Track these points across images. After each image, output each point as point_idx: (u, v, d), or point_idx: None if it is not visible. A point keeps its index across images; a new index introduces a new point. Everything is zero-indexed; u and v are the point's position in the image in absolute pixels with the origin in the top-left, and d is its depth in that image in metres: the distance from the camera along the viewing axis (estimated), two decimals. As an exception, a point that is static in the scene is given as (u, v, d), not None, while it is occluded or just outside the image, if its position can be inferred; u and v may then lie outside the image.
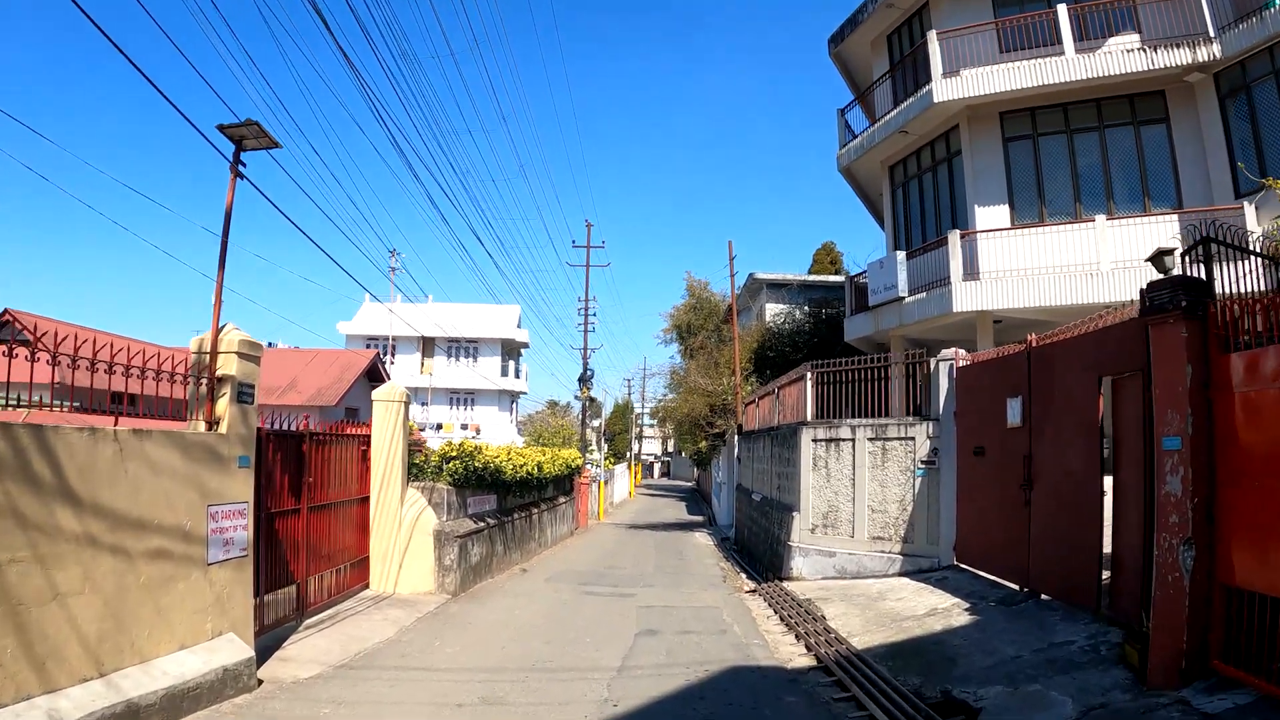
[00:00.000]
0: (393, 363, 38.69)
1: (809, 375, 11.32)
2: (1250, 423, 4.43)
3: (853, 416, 10.43)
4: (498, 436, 35.52)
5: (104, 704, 4.13)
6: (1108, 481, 6.19)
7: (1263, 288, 4.81)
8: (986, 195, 12.25)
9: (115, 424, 4.52)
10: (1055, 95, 11.67)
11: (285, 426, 7.26)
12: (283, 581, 7.09)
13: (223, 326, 5.66)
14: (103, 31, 4.81)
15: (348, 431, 8.92)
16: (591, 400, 32.34)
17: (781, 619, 8.28)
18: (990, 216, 12.10)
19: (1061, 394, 6.85)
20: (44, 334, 4.10)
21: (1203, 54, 10.57)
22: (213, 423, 5.49)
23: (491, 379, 39.79)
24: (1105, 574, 6.13)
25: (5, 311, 15.89)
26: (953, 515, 8.99)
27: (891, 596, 8.21)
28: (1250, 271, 4.85)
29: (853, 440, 10.06)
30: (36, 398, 4.20)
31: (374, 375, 30.47)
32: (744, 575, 12.41)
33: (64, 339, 4.13)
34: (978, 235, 11.68)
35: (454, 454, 10.44)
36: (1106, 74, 11.05)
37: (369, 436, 9.19)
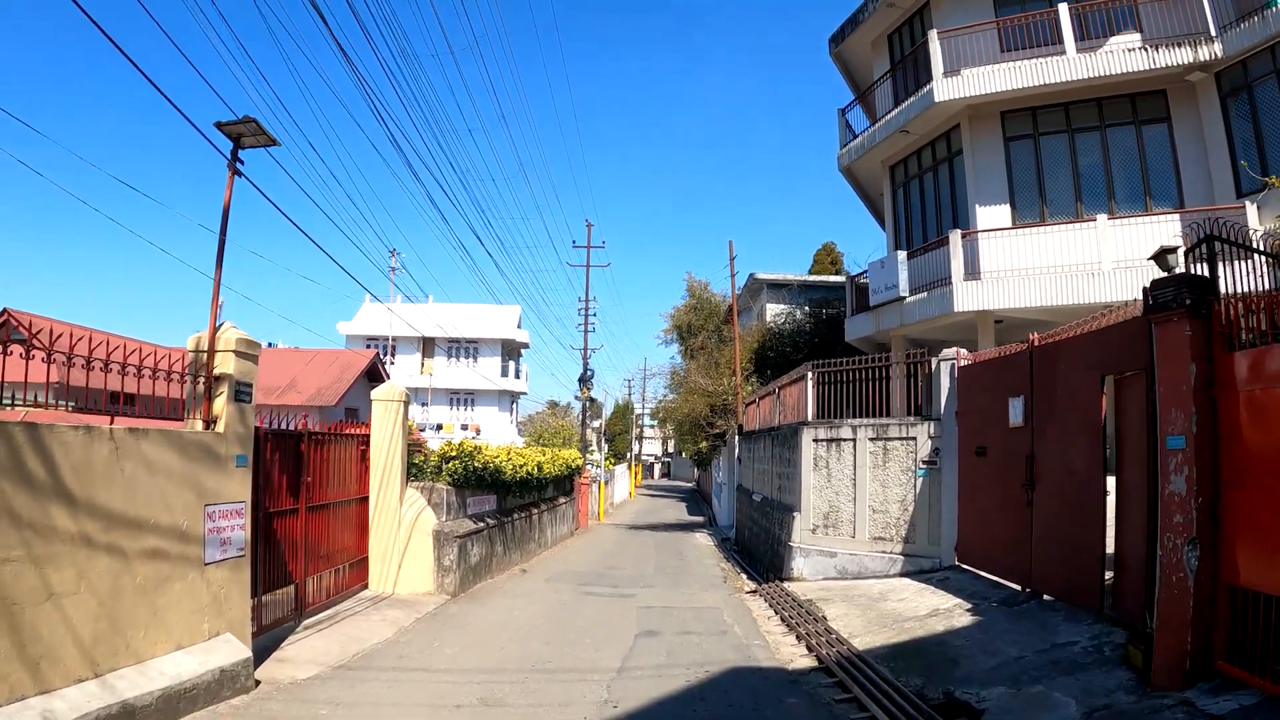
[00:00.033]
0: (393, 363, 38.66)
1: (810, 375, 11.28)
2: (1255, 422, 4.40)
3: (854, 416, 10.40)
4: (498, 437, 35.47)
5: (99, 705, 4.10)
6: (1110, 481, 6.16)
7: (1266, 286, 4.78)
8: (988, 195, 12.22)
9: (111, 423, 4.49)
10: (1056, 95, 11.64)
11: (283, 426, 7.22)
12: (281, 582, 7.06)
13: (220, 325, 5.63)
14: (101, 29, 4.78)
15: (346, 431, 8.88)
16: (592, 401, 32.31)
17: (782, 620, 8.24)
18: (991, 216, 12.07)
19: (1064, 393, 6.82)
20: (39, 331, 4.07)
21: (1204, 53, 10.54)
22: (210, 422, 5.46)
23: (492, 379, 39.77)
24: (1108, 574, 6.09)
25: (4, 311, 15.85)
26: (954, 515, 8.95)
27: (893, 597, 8.17)
28: (1254, 270, 4.82)
29: (854, 440, 10.03)
30: (32, 397, 4.16)
31: (374, 375, 30.43)
32: (744, 576, 12.37)
33: (59, 336, 4.09)
34: (979, 235, 11.65)
35: (453, 454, 10.40)
36: (1108, 73, 11.03)
37: (368, 436, 9.16)
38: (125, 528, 4.54)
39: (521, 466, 12.98)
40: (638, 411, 56.80)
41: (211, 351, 5.49)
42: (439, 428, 36.51)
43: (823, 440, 10.38)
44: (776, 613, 8.64)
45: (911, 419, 9.74)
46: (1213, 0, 10.56)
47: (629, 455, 54.84)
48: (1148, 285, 5.11)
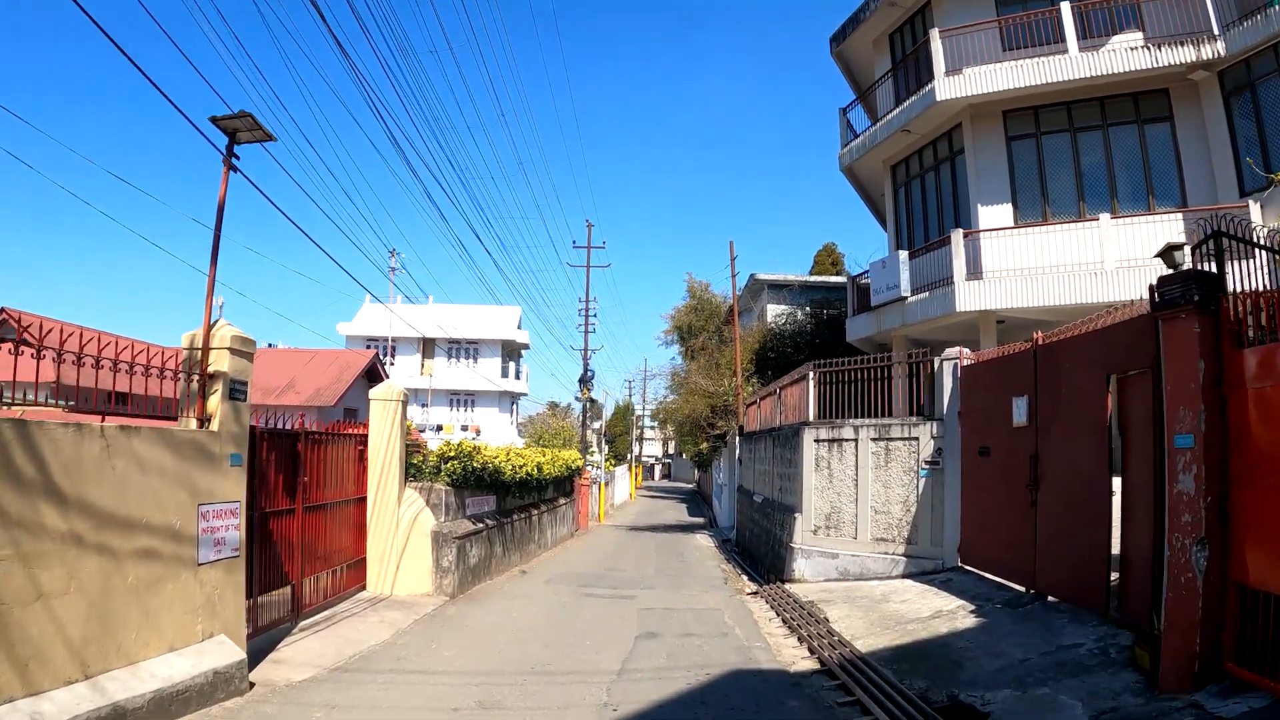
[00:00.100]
0: (393, 364, 38.60)
1: (811, 375, 11.22)
2: (1264, 420, 4.33)
3: (855, 417, 10.33)
4: (498, 438, 35.42)
5: (89, 707, 4.03)
6: (1115, 482, 6.09)
7: (1272, 284, 4.72)
8: (989, 194, 12.17)
9: (102, 421, 4.42)
10: (1058, 94, 11.59)
11: (280, 425, 7.16)
12: (277, 583, 6.99)
13: (215, 322, 5.56)
14: (95, 22, 4.72)
15: (344, 431, 8.81)
16: (592, 402, 32.27)
17: (784, 621, 8.17)
18: (993, 215, 12.01)
19: (1068, 392, 6.75)
20: (29, 326, 4.00)
21: (1207, 52, 10.49)
22: (204, 420, 5.39)
23: (492, 380, 39.71)
24: (1113, 575, 6.02)
25: (1, 310, 15.80)
26: (957, 516, 8.88)
27: (895, 599, 8.10)
28: (1260, 268, 4.77)
29: (855, 440, 9.96)
30: (23, 395, 4.10)
31: (373, 375, 30.34)
32: (745, 577, 12.30)
33: (49, 332, 4.03)
34: (981, 234, 11.60)
35: (452, 454, 10.32)
36: (1110, 72, 10.98)
37: (366, 436, 9.09)
38: (116, 527, 4.47)
39: (521, 467, 12.91)
40: (638, 413, 56.76)
41: (206, 349, 5.42)
42: (439, 429, 36.44)
43: (824, 440, 10.31)
44: (778, 614, 8.57)
45: (914, 419, 9.67)
46: (1215, -1, 10.52)
47: (629, 456, 54.78)
48: (1154, 282, 5.05)
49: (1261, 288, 4.62)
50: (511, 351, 43.19)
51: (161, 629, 4.82)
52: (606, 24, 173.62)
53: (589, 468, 25.98)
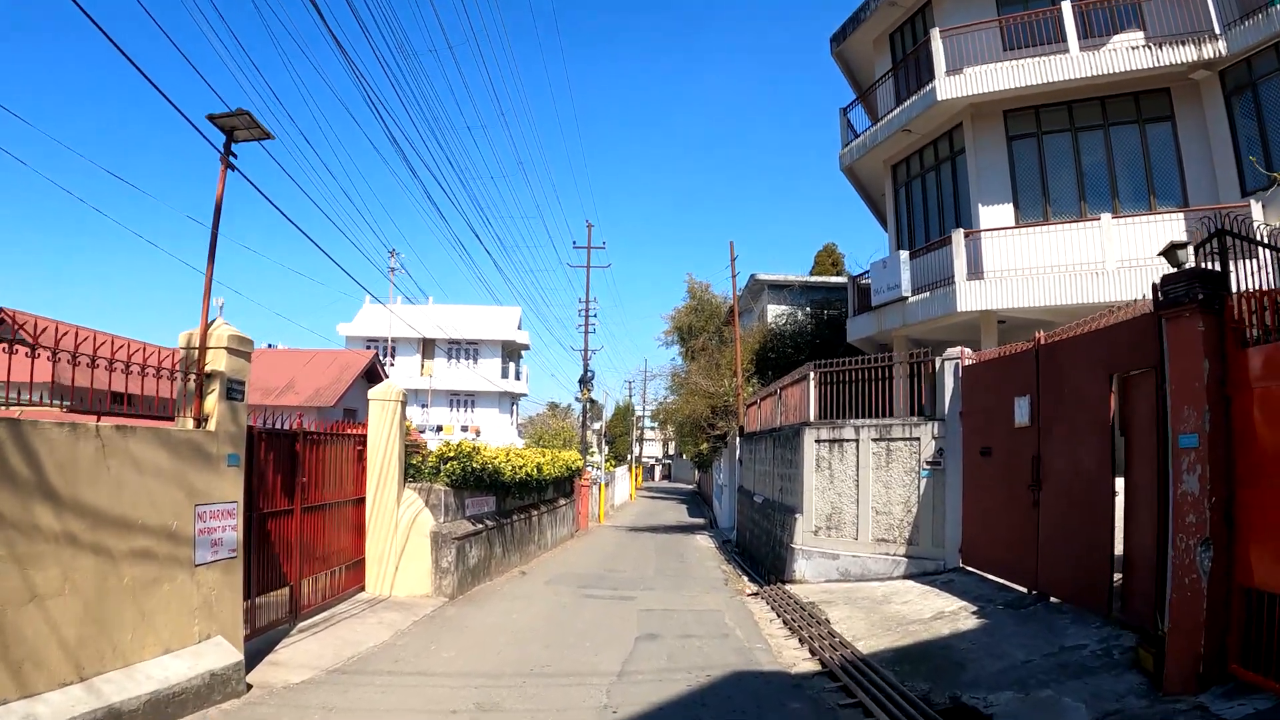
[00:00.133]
0: (393, 364, 38.56)
1: (812, 375, 11.18)
2: (1269, 419, 4.30)
3: (856, 417, 10.29)
4: (498, 438, 35.36)
5: (84, 709, 3.99)
6: (1118, 482, 6.05)
7: (1277, 282, 4.69)
8: (990, 194, 12.14)
9: (98, 420, 4.38)
10: (1059, 93, 11.56)
11: (278, 425, 7.12)
12: (275, 584, 6.95)
13: (212, 321, 5.53)
14: (89, 16, 4.69)
15: (343, 431, 8.78)
16: (592, 402, 32.22)
17: (784, 622, 8.13)
18: (994, 215, 11.98)
19: (1071, 392, 6.71)
20: (24, 324, 3.97)
21: (1208, 51, 10.46)
22: (201, 420, 5.35)
23: (492, 381, 39.67)
24: (1116, 576, 5.99)
25: None
26: (958, 517, 8.84)
27: (896, 600, 8.06)
28: (1263, 266, 4.74)
29: (856, 441, 9.92)
30: (15, 394, 4.06)
31: (372, 376, 30.31)
32: (746, 578, 12.26)
33: (44, 330, 3.99)
34: (981, 234, 11.56)
35: (452, 454, 10.29)
36: (1111, 71, 10.95)
37: (365, 436, 9.06)
38: (112, 527, 4.43)
39: (521, 468, 12.87)
40: (638, 413, 56.70)
41: (203, 348, 5.39)
42: (439, 429, 36.40)
43: (825, 441, 10.27)
44: (778, 615, 8.53)
45: (915, 419, 9.63)
46: (1217, -2, 10.49)
47: (629, 457, 54.73)
48: (1158, 281, 5.01)
49: (1266, 286, 4.60)
50: (511, 352, 43.15)
51: (158, 630, 4.78)
52: (606, 24, 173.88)
53: (589, 468, 25.94)
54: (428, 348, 40.81)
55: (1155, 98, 11.34)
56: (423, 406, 37.75)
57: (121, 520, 4.52)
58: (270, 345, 35.20)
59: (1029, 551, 7.14)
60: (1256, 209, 9.45)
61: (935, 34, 12.07)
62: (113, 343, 4.54)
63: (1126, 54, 10.88)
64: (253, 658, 5.88)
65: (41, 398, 4.29)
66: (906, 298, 12.77)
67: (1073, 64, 11.06)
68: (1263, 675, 4.16)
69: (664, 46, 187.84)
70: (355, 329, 40.50)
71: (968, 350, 9.41)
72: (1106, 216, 10.72)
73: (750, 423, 18.21)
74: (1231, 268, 4.78)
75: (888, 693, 5.31)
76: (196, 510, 5.17)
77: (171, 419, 5.26)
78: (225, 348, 5.51)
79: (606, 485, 30.02)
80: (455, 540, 9.65)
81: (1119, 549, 5.98)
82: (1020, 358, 7.74)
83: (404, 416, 9.51)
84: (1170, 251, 5.20)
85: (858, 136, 14.95)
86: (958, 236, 11.57)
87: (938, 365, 9.52)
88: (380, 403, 9.24)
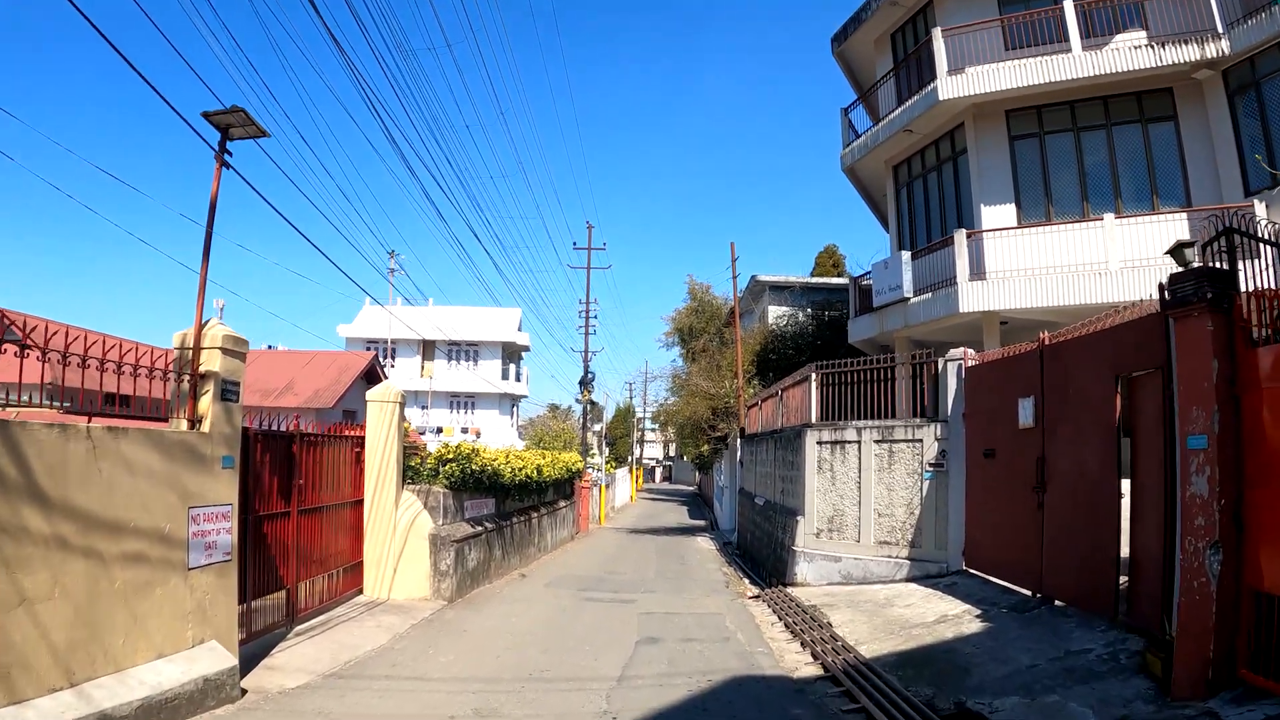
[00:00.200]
0: (393, 365, 38.51)
1: (813, 376, 11.11)
2: (1279, 420, 4.23)
3: (858, 418, 10.22)
4: (498, 440, 35.28)
5: (74, 715, 3.92)
6: (1124, 484, 5.98)
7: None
8: (992, 194, 12.08)
9: (89, 421, 4.31)
10: (1061, 93, 11.51)
11: (275, 427, 7.05)
12: (271, 587, 6.87)
13: (207, 321, 5.46)
14: (80, 10, 4.63)
15: (340, 432, 8.71)
16: (593, 404, 32.16)
17: (786, 626, 8.05)
18: (996, 215, 11.92)
19: (1076, 393, 6.64)
20: (14, 322, 3.91)
21: (1211, 50, 10.40)
22: (194, 421, 5.28)
23: (492, 382, 39.61)
24: (1122, 579, 5.91)
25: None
26: (961, 519, 8.77)
27: (899, 603, 7.98)
28: (1270, 265, 4.68)
29: (858, 442, 9.85)
30: (4, 394, 4.00)
31: (372, 377, 30.21)
32: (747, 580, 12.18)
33: (34, 329, 3.93)
34: (984, 235, 11.50)
35: (451, 456, 10.21)
36: (1113, 71, 10.89)
37: (363, 438, 8.99)
38: (103, 530, 4.36)
39: (521, 469, 12.79)
40: (639, 415, 56.61)
41: (197, 349, 5.32)
42: (439, 431, 36.35)
43: (826, 443, 10.20)
44: (780, 619, 8.46)
45: (917, 421, 9.56)
46: (1219, -3, 10.44)
47: (630, 459, 54.64)
48: (1165, 280, 4.95)
49: (1273, 285, 4.53)
50: (512, 353, 43.09)
51: (150, 635, 4.71)
52: (606, 24, 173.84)
53: (589, 470, 25.86)
54: (428, 349, 40.76)
55: (1158, 97, 11.29)
56: (423, 408, 37.69)
57: (113, 523, 4.45)
58: (270, 347, 35.15)
59: (1033, 554, 7.07)
60: (1260, 208, 9.38)
61: (937, 33, 12.02)
62: (104, 342, 4.48)
63: (1129, 53, 10.83)
64: (248, 662, 5.81)
65: (34, 399, 4.21)
66: (908, 298, 12.70)
67: (1075, 64, 11.01)
68: (1273, 680, 4.09)
69: (664, 46, 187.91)
70: (355, 330, 40.45)
71: (970, 351, 9.34)
72: (1109, 216, 10.66)
73: (751, 424, 18.14)
74: (1240, 267, 4.71)
75: (891, 698, 5.23)
76: (190, 513, 5.10)
77: (165, 420, 5.19)
78: (220, 348, 5.44)
79: (607, 487, 29.94)
80: (454, 543, 9.58)
81: (1124, 552, 5.90)
82: (1024, 358, 7.67)
83: (402, 418, 9.45)
84: (1177, 250, 5.13)
85: (859, 137, 14.90)
86: (960, 237, 11.51)
87: (940, 366, 9.45)
88: (378, 404, 9.17)
